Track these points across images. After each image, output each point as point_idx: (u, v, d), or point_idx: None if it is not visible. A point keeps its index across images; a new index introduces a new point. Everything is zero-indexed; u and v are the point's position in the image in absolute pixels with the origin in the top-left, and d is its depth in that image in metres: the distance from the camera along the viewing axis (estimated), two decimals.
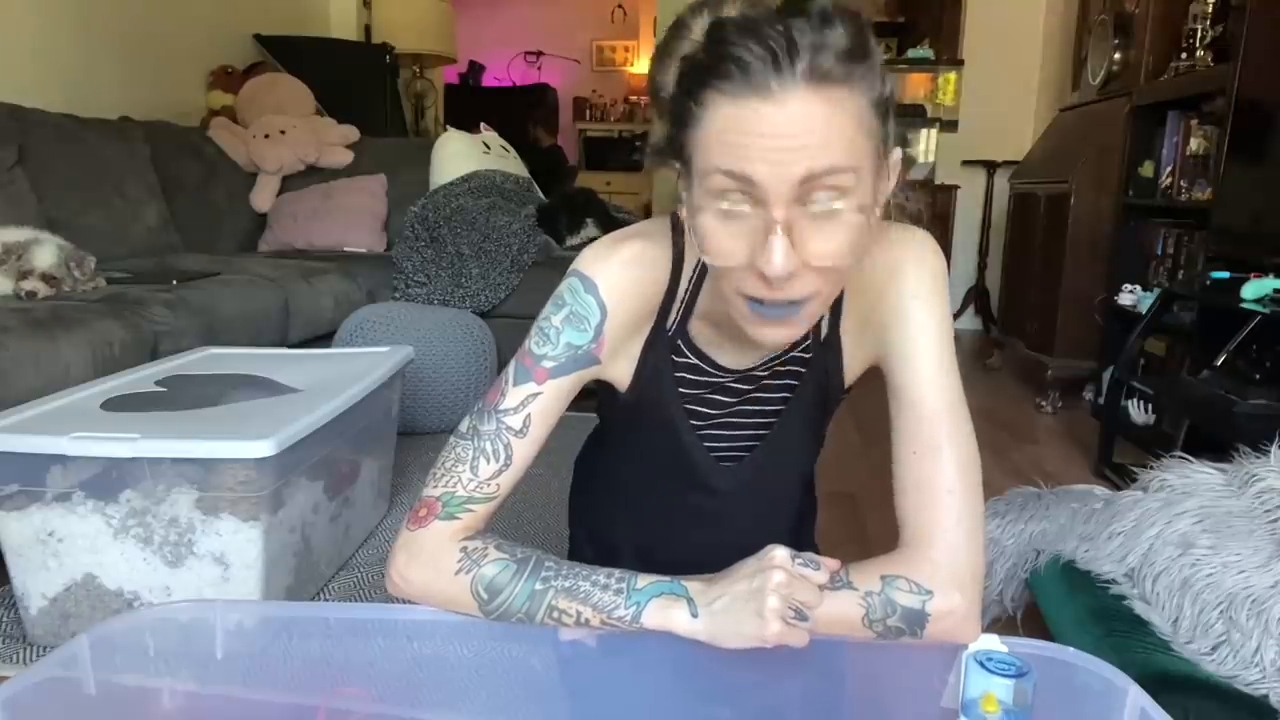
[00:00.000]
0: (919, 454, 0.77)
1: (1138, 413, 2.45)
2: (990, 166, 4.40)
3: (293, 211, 3.31)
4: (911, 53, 4.56)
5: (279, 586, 1.37)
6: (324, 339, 2.56)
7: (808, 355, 0.87)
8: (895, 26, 4.98)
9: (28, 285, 1.89)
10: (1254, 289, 1.92)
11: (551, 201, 3.29)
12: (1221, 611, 1.05)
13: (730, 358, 0.86)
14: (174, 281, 2.20)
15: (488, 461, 0.78)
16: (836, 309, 0.84)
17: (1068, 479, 1.94)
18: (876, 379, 0.86)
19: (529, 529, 1.83)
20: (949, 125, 4.49)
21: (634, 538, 1.00)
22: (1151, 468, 1.32)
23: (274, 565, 1.34)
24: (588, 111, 7.36)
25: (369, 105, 4.01)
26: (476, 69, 7.18)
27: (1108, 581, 1.21)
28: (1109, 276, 2.92)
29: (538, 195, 3.41)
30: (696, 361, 0.86)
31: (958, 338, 0.81)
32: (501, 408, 0.78)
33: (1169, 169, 2.71)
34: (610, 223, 3.20)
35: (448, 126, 3.51)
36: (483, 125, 3.56)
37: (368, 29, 4.57)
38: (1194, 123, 2.60)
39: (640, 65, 7.45)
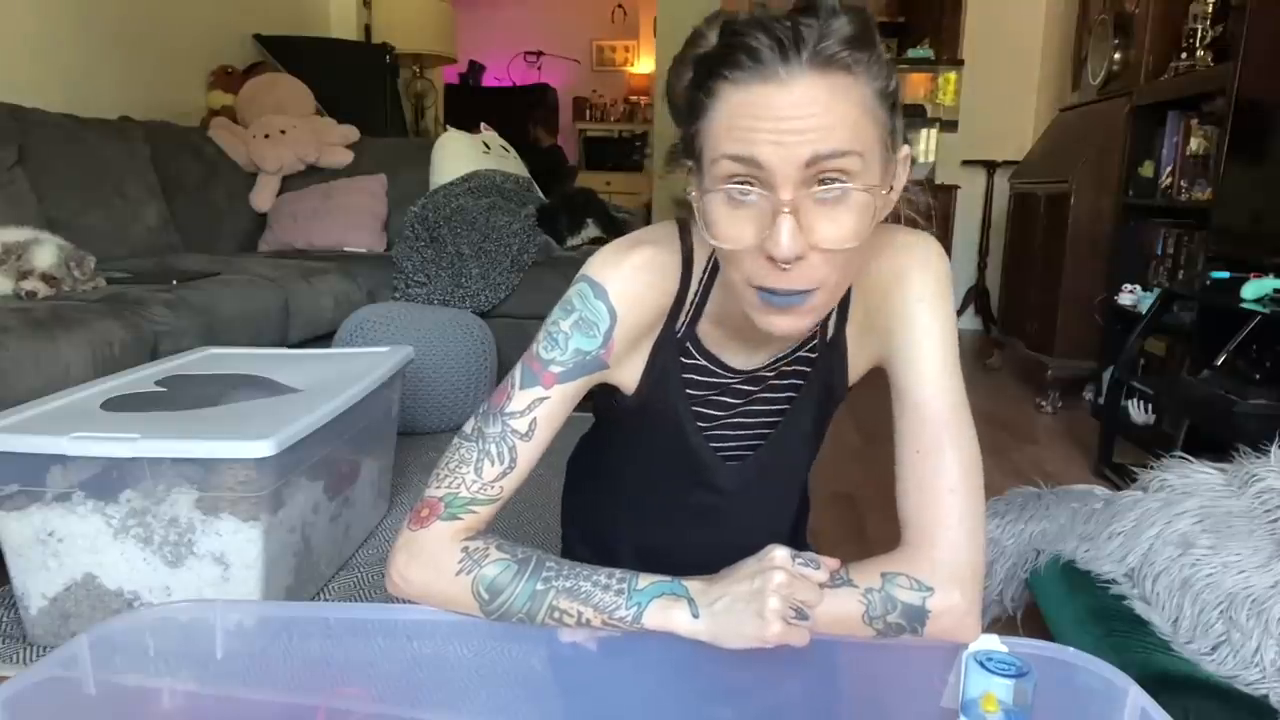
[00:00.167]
0: (922, 454, 0.77)
1: (1138, 413, 2.45)
2: (990, 166, 4.41)
3: (293, 211, 3.31)
4: (911, 53, 4.56)
5: (279, 586, 1.37)
6: (324, 339, 2.56)
7: (813, 355, 0.87)
8: (895, 26, 4.98)
9: (28, 285, 1.89)
10: (1254, 289, 1.92)
11: (551, 201, 3.29)
12: (1221, 611, 1.05)
13: (738, 359, 0.87)
14: (174, 281, 2.20)
15: (492, 464, 0.78)
16: (843, 310, 0.85)
17: (1068, 479, 1.95)
18: (875, 380, 0.87)
19: (529, 529, 1.83)
20: (949, 125, 4.49)
21: (634, 537, 1.00)
22: (1151, 468, 1.32)
23: (274, 565, 1.34)
24: (588, 111, 7.37)
25: (369, 105, 4.00)
26: (476, 69, 7.18)
27: (1108, 581, 1.21)
28: (1109, 276, 2.92)
29: (538, 195, 3.41)
30: (704, 363, 0.86)
31: (958, 338, 0.81)
32: (508, 410, 0.79)
33: (1169, 169, 2.71)
34: (610, 223, 3.20)
35: (448, 126, 3.50)
36: (483, 125, 3.55)
37: (368, 29, 4.57)
38: (1194, 123, 2.60)
39: (640, 65, 7.45)
